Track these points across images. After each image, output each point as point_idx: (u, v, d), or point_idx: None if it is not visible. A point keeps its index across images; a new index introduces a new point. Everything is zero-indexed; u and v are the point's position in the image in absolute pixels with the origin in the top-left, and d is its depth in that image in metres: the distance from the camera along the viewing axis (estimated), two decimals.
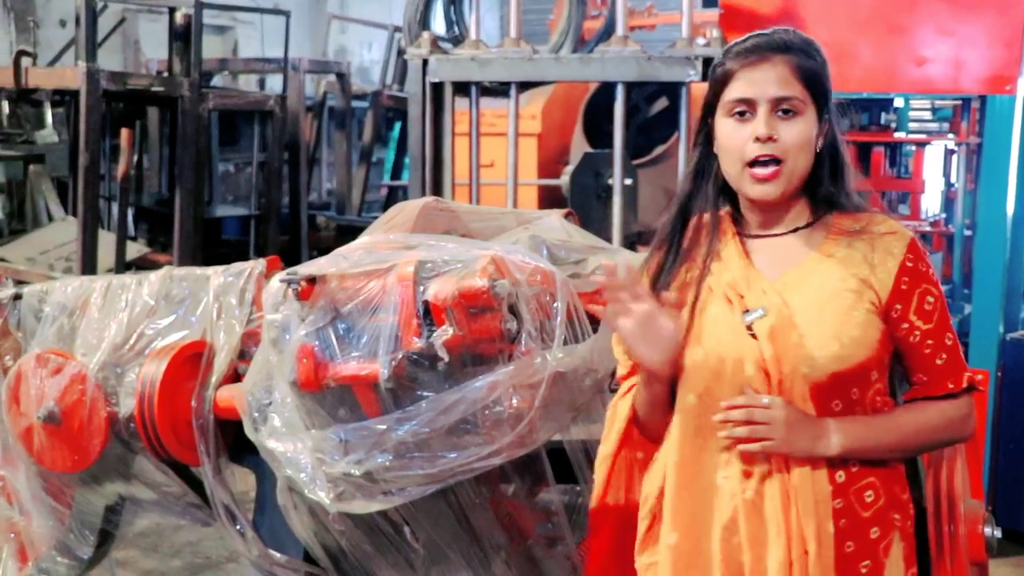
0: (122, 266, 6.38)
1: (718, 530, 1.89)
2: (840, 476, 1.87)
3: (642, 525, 2.02)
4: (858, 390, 1.88)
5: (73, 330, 2.88)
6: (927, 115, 7.22)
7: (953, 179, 7.37)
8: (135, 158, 7.85)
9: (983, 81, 5.07)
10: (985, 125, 5.35)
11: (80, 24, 6.52)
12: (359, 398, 2.34)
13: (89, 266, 6.30)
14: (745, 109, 1.87)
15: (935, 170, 7.92)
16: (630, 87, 4.86)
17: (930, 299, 1.89)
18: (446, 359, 2.26)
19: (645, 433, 2.07)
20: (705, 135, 1.97)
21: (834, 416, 1.87)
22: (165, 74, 7.71)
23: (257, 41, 12.15)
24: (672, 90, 5.52)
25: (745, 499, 1.87)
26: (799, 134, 1.86)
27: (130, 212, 7.84)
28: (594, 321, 2.49)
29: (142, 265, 6.77)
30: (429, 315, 2.28)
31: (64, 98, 7.74)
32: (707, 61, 4.55)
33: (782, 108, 1.86)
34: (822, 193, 1.94)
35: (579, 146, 6.63)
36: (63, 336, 2.88)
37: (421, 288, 2.29)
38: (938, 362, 1.90)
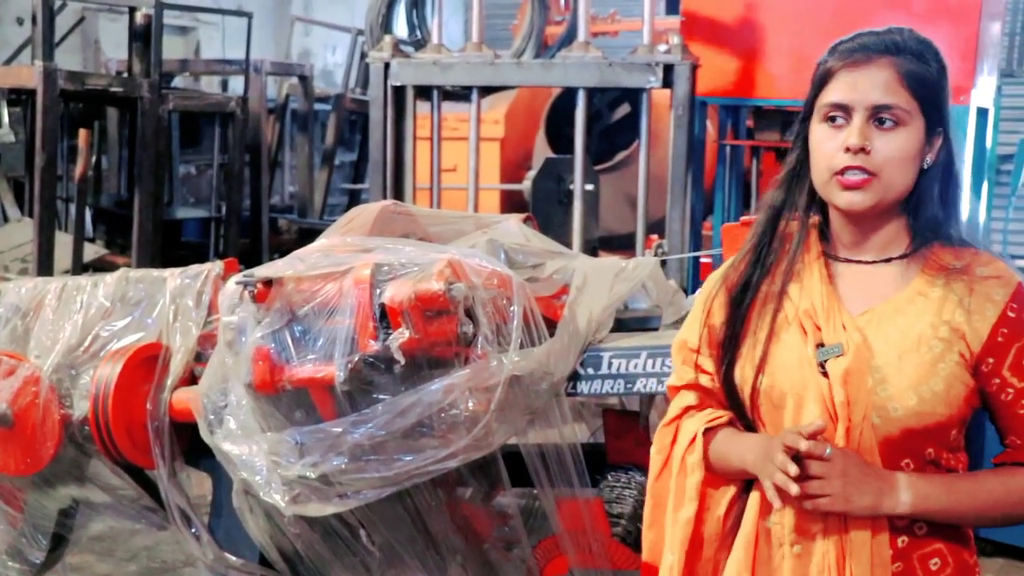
0: (79, 268, 6.32)
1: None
2: (902, 541, 1.68)
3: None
4: (933, 450, 1.68)
5: (27, 332, 2.85)
6: None
7: None
8: (93, 159, 7.78)
9: None
10: None
11: (37, 22, 6.45)
12: (315, 401, 2.34)
13: (45, 267, 6.23)
14: (841, 115, 1.67)
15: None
16: (592, 93, 4.89)
17: None
18: (402, 362, 2.26)
19: (714, 474, 1.85)
20: (803, 139, 1.76)
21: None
22: (125, 74, 7.65)
23: (219, 42, 12.06)
24: (634, 96, 5.55)
25: (793, 552, 1.70)
26: (897, 148, 1.64)
27: (88, 213, 7.76)
28: (551, 325, 2.50)
29: (100, 267, 6.70)
30: (385, 318, 2.28)
31: (21, 97, 7.65)
32: (668, 68, 4.59)
33: (882, 117, 1.65)
34: (924, 219, 1.70)
35: (541, 151, 6.65)
36: (16, 338, 2.85)
37: (377, 291, 2.29)
38: None
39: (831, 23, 5.09)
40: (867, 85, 1.65)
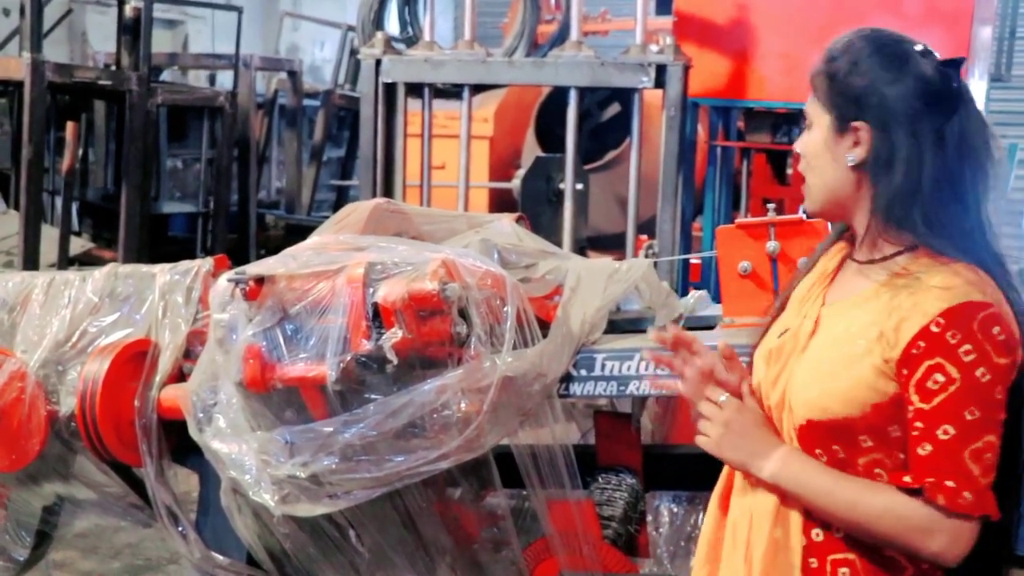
0: (65, 262, 6.27)
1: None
2: (817, 534, 1.69)
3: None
4: (841, 449, 1.66)
5: (13, 326, 2.83)
6: None
7: None
8: (80, 152, 7.72)
9: None
10: None
11: (25, 14, 6.40)
12: (306, 400, 2.32)
13: (31, 261, 6.19)
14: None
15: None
16: (583, 92, 4.88)
17: (939, 377, 1.56)
18: (395, 362, 2.25)
19: None
20: None
21: None
22: (113, 67, 7.60)
23: (208, 37, 12.02)
24: (625, 96, 5.55)
25: (730, 520, 1.82)
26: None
27: (74, 207, 7.71)
28: (544, 326, 2.49)
29: (86, 261, 6.66)
30: (378, 317, 2.26)
31: (8, 89, 7.60)
32: (660, 68, 4.58)
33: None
34: (876, 223, 1.69)
35: (531, 150, 6.65)
36: (2, 332, 2.83)
37: (370, 290, 2.27)
38: (919, 451, 1.58)
39: (823, 26, 5.10)
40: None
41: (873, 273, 1.69)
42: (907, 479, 1.60)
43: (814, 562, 1.68)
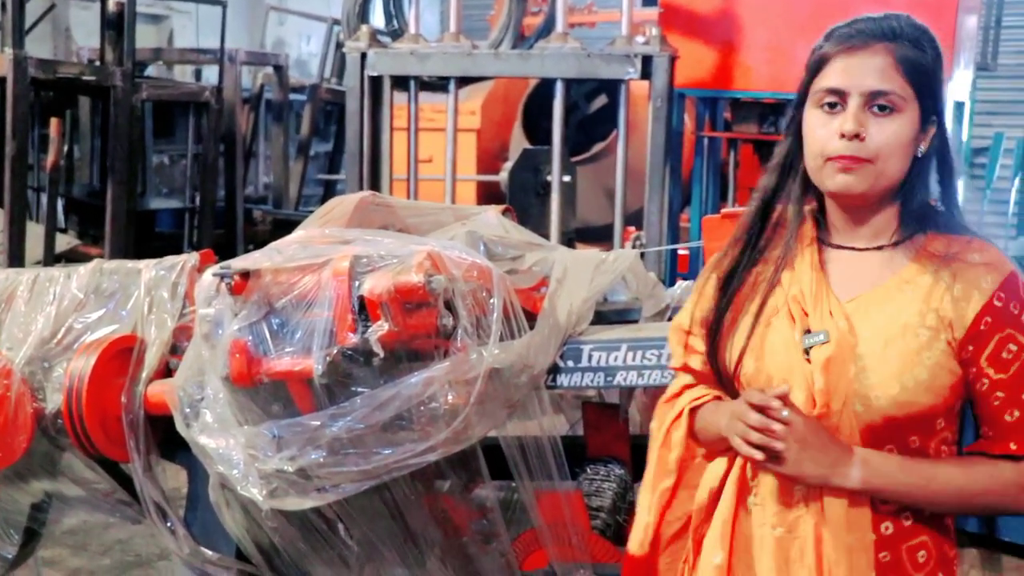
0: (51, 258, 6.25)
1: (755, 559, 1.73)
2: (887, 528, 1.67)
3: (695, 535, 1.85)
4: (918, 438, 1.67)
5: None
6: None
7: None
8: (65, 148, 7.69)
9: None
10: None
11: (7, 9, 6.37)
12: (293, 394, 2.32)
13: (16, 258, 6.16)
14: (836, 100, 1.66)
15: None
16: (569, 84, 4.88)
17: (1012, 347, 1.63)
18: (381, 355, 2.24)
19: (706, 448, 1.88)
20: (796, 125, 1.75)
21: None
22: (97, 63, 7.56)
23: (193, 31, 11.97)
24: (611, 87, 5.55)
25: (775, 535, 1.70)
26: (892, 135, 1.64)
27: (60, 203, 7.68)
28: (530, 317, 2.49)
29: (72, 258, 6.64)
30: (364, 310, 2.25)
31: None
32: (646, 59, 4.58)
33: (877, 104, 1.64)
34: (917, 207, 1.70)
35: (518, 142, 6.64)
36: None
37: (356, 283, 2.26)
38: (1007, 418, 1.64)
39: (809, 16, 5.10)
40: (863, 71, 1.64)
41: (893, 259, 1.70)
42: (1013, 446, 1.65)
43: (886, 556, 1.67)
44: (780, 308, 1.74)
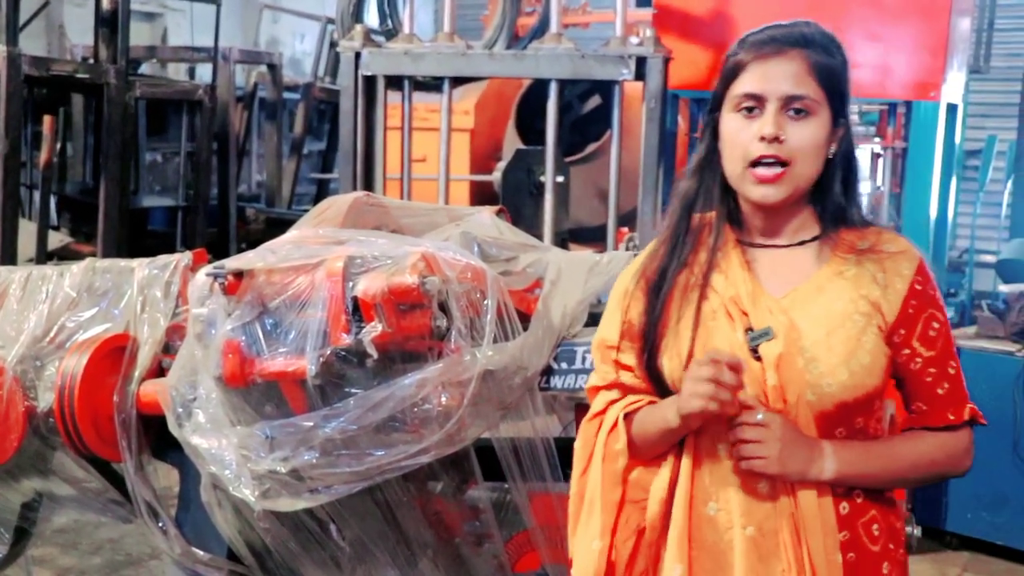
0: (43, 256, 6.24)
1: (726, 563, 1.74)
2: (844, 508, 1.74)
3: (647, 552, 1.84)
4: (862, 419, 1.76)
5: None
6: (854, 119, 7.34)
7: (879, 182, 7.55)
8: (58, 146, 7.66)
9: (909, 87, 5.18)
10: (910, 130, 5.46)
11: (1, 6, 6.35)
12: (286, 394, 2.31)
13: (9, 256, 6.14)
14: (753, 105, 1.72)
15: (862, 173, 8.05)
16: (563, 84, 4.87)
17: (935, 325, 1.76)
18: (375, 356, 2.24)
19: (638, 457, 1.85)
20: (712, 130, 1.80)
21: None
22: (91, 60, 7.54)
23: (187, 29, 11.94)
24: (605, 88, 5.54)
25: (746, 535, 1.72)
26: (809, 137, 1.71)
27: (53, 201, 7.66)
28: (524, 319, 2.49)
29: (64, 255, 6.62)
30: (358, 311, 2.25)
31: None
32: (640, 60, 4.58)
33: (793, 107, 1.71)
34: (831, 205, 1.78)
35: (512, 142, 6.63)
36: None
37: (350, 284, 2.26)
38: (939, 391, 1.77)
39: (803, 18, 5.10)
40: (779, 76, 1.71)
41: (817, 254, 1.78)
42: (951, 416, 1.77)
43: (846, 535, 1.74)
44: (716, 310, 1.77)
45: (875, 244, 1.77)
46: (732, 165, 1.75)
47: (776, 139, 1.69)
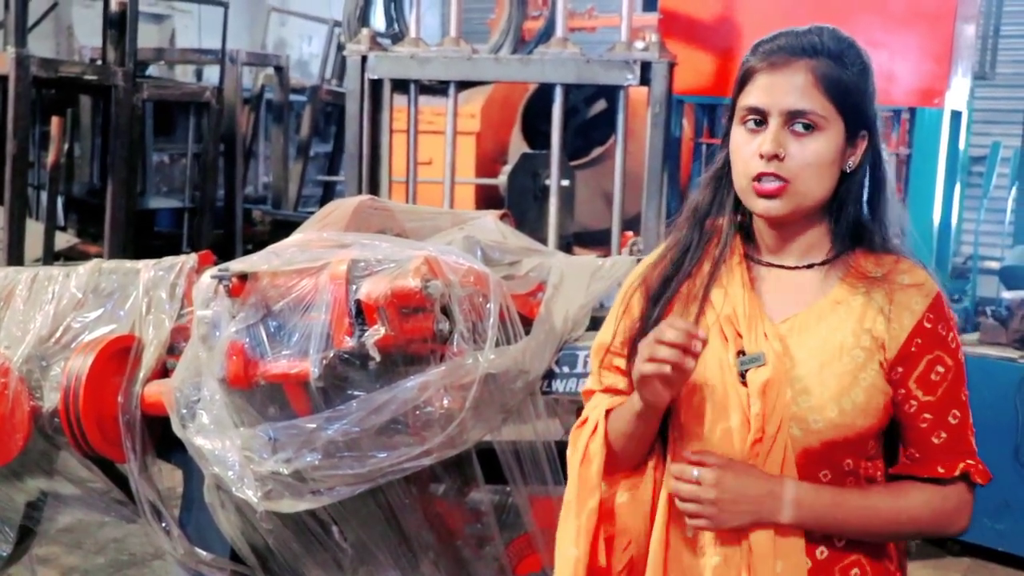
0: (50, 257, 6.25)
1: None
2: (822, 552, 1.64)
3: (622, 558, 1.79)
4: (852, 460, 1.65)
5: None
6: None
7: None
8: (66, 147, 7.69)
9: (913, 94, 5.19)
10: (914, 136, 5.47)
11: (9, 8, 6.37)
12: (289, 396, 2.33)
13: (16, 256, 6.16)
14: (758, 119, 1.63)
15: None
16: (569, 89, 4.88)
17: (940, 368, 1.62)
18: (377, 359, 2.25)
19: (614, 465, 1.78)
20: (728, 138, 1.71)
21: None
22: (99, 62, 7.57)
23: (194, 31, 11.98)
24: (610, 93, 5.55)
25: (712, 565, 1.64)
26: (812, 154, 1.60)
27: (60, 202, 7.68)
28: (527, 323, 2.50)
29: (71, 256, 6.64)
30: (361, 314, 2.27)
31: None
32: (645, 65, 4.59)
33: (798, 123, 1.61)
34: (847, 224, 1.67)
35: (517, 146, 6.64)
36: None
37: (353, 287, 2.28)
38: (934, 440, 1.64)
39: (808, 23, 5.11)
40: (782, 89, 1.61)
41: (824, 278, 1.68)
42: (940, 470, 1.64)
43: None
44: (711, 327, 1.68)
45: (889, 273, 1.65)
46: (738, 179, 1.67)
47: (775, 156, 1.60)
